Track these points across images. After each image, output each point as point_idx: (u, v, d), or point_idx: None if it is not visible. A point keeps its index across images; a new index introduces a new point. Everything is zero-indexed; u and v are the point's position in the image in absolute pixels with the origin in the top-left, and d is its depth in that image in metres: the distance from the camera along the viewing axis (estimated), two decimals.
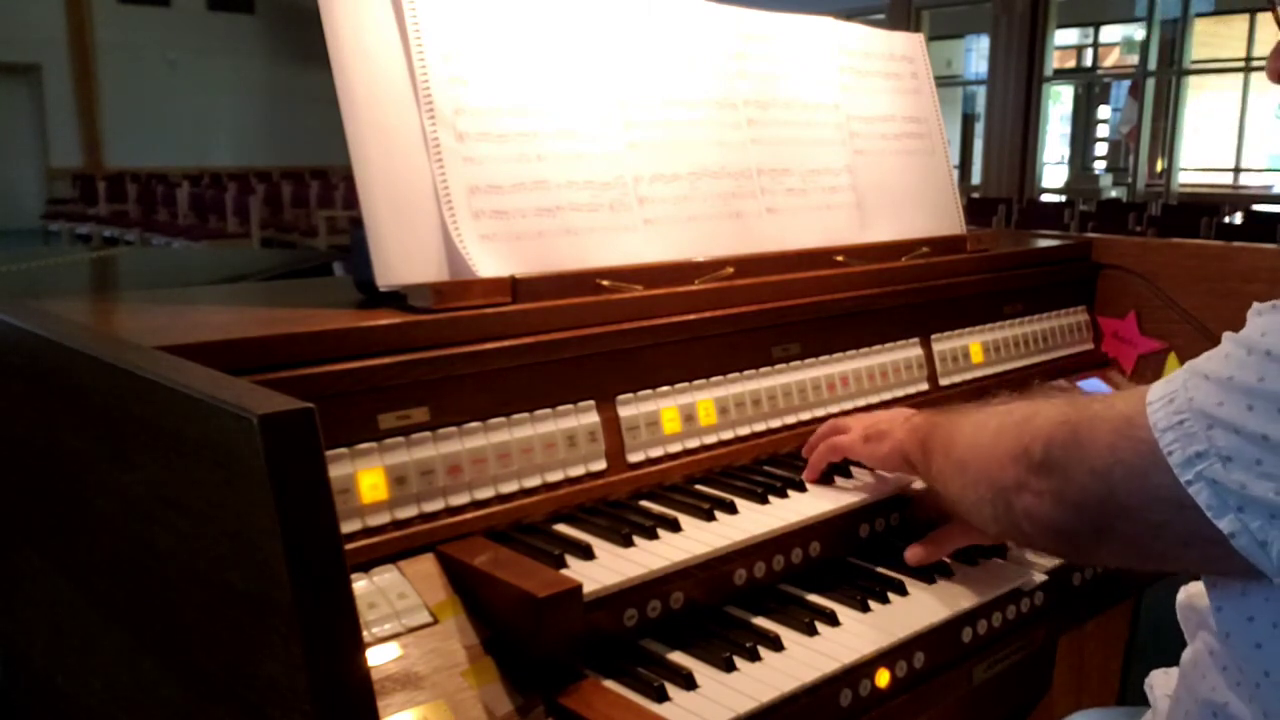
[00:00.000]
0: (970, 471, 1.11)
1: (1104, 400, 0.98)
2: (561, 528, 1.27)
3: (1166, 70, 14.54)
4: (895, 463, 1.37)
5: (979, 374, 1.88)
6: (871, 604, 1.28)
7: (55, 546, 1.13)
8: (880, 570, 1.37)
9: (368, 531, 1.12)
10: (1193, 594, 1.08)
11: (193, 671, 0.87)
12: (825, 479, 1.44)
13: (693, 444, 1.44)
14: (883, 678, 1.20)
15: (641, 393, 1.39)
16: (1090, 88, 19.27)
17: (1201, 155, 16.56)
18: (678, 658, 1.14)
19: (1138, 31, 15.42)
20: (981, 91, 15.91)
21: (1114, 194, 15.30)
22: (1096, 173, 17.92)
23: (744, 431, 1.50)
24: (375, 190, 1.26)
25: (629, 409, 1.38)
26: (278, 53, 18.01)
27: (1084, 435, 0.94)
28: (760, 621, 1.23)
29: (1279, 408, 0.81)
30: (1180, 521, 0.86)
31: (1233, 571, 0.86)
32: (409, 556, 1.13)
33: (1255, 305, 0.88)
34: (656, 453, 1.40)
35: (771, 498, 1.37)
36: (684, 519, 1.29)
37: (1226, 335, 0.88)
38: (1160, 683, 1.22)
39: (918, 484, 1.42)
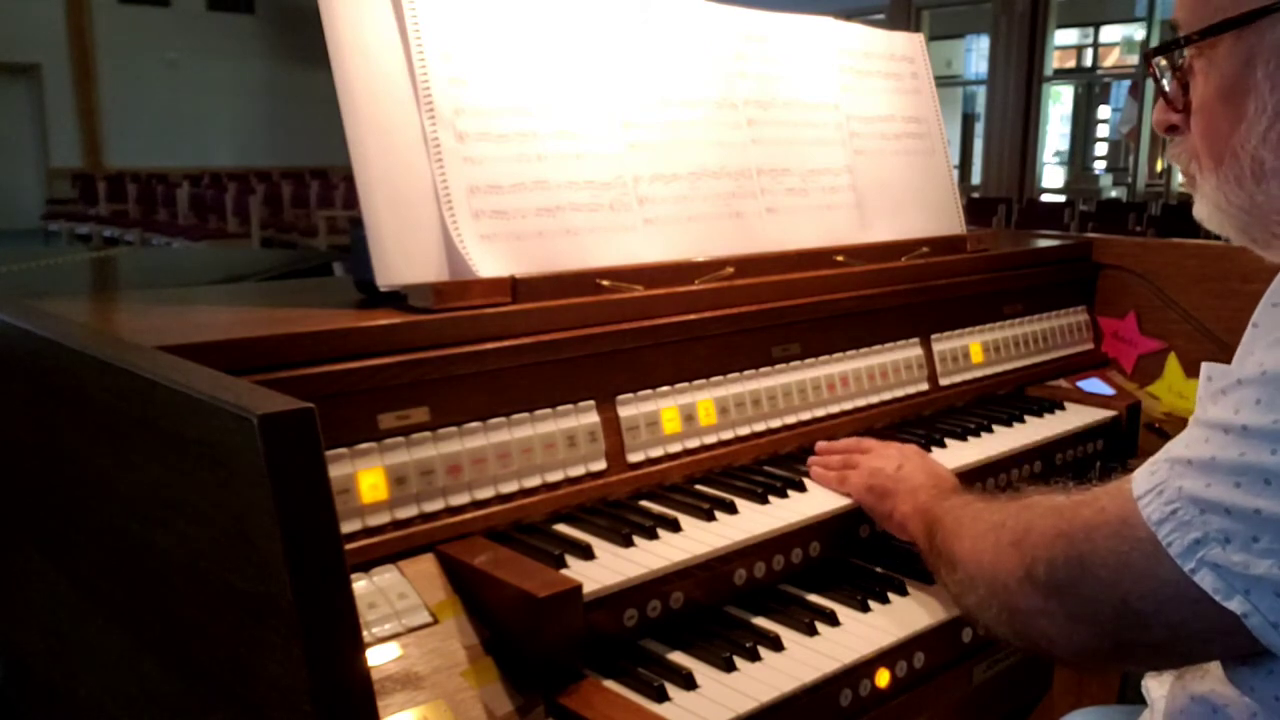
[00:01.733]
0: (979, 589, 1.07)
1: (1090, 504, 0.95)
2: (561, 528, 1.27)
3: None
4: (893, 529, 1.36)
5: (979, 374, 1.88)
6: (871, 604, 1.28)
7: (55, 547, 1.13)
8: (880, 570, 1.37)
9: (368, 531, 1.12)
10: None
11: (193, 671, 0.87)
12: None
13: (693, 444, 1.44)
14: (883, 678, 1.20)
15: (641, 393, 1.39)
16: (1090, 88, 19.26)
17: None
18: (678, 658, 1.14)
19: (1138, 31, 15.41)
20: (981, 91, 15.90)
21: (1114, 194, 15.28)
22: (1096, 173, 17.90)
23: (744, 431, 1.50)
24: (375, 190, 1.26)
25: (629, 409, 1.38)
26: (278, 53, 18.00)
27: (1083, 547, 0.92)
28: (760, 621, 1.23)
29: (1265, 479, 0.80)
30: (1195, 617, 0.84)
31: (1257, 654, 0.85)
32: (409, 556, 1.13)
33: (1212, 379, 0.87)
34: (656, 453, 1.40)
35: (771, 498, 1.37)
36: (684, 519, 1.29)
37: (1196, 419, 0.88)
38: (1155, 684, 1.22)
39: None
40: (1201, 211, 1.02)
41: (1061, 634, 0.96)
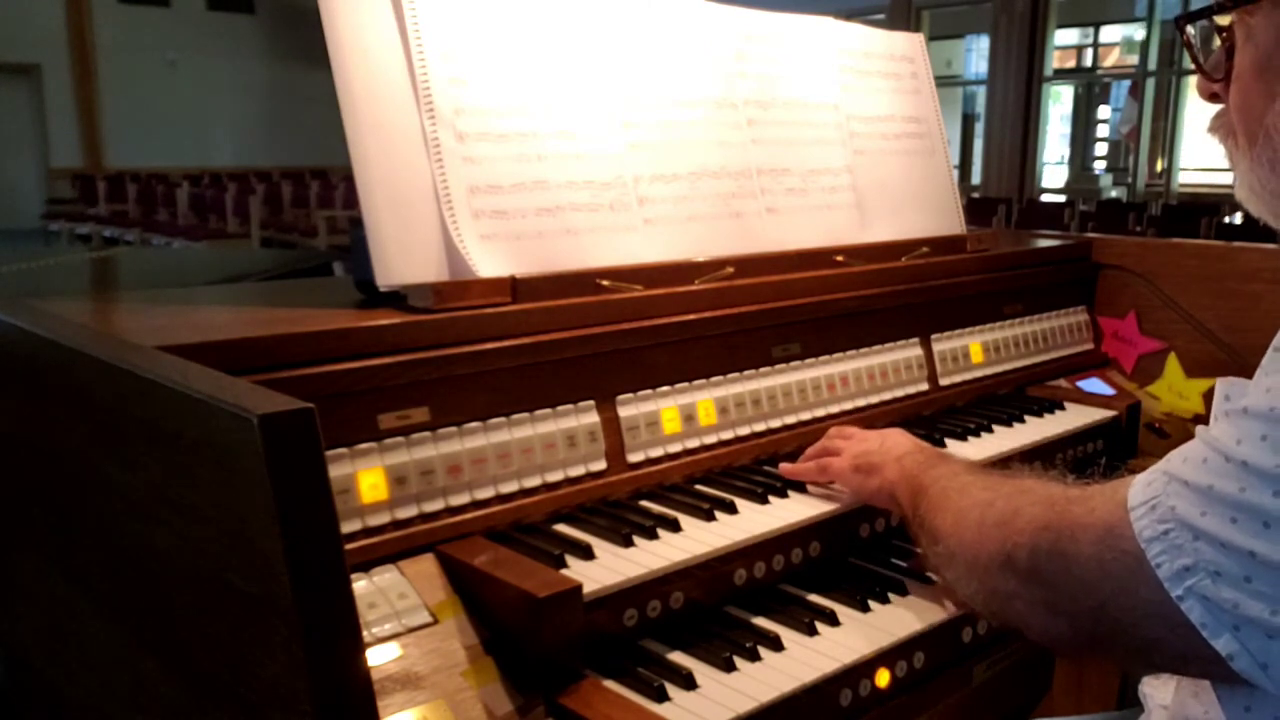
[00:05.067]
0: (958, 564, 1.07)
1: (1082, 502, 0.92)
2: (561, 528, 1.27)
3: (1166, 70, 14.53)
4: (882, 501, 1.34)
5: (979, 374, 1.88)
6: (871, 604, 1.28)
7: (55, 546, 1.13)
8: (880, 570, 1.37)
9: (368, 531, 1.12)
10: None
11: (193, 671, 0.87)
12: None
13: (693, 444, 1.44)
14: (883, 678, 1.20)
15: (641, 393, 1.39)
16: (1090, 88, 19.26)
17: (1201, 155, 16.55)
18: (678, 658, 1.14)
19: (1138, 31, 15.41)
20: (981, 91, 15.90)
21: (1114, 194, 15.29)
22: (1096, 173, 17.90)
23: (744, 431, 1.50)
24: (375, 190, 1.26)
25: (629, 409, 1.38)
26: (278, 53, 17.99)
27: (1067, 545, 0.90)
28: (760, 621, 1.23)
29: (1264, 522, 0.77)
30: (1175, 640, 0.82)
31: (1236, 684, 0.83)
32: (409, 556, 1.13)
33: (1229, 397, 0.85)
34: (656, 453, 1.40)
35: (771, 498, 1.37)
36: (684, 519, 1.29)
37: (1201, 434, 0.85)
38: (1153, 689, 1.21)
39: None
40: (1240, 192, 0.98)
41: (1038, 620, 0.95)
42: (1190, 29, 1.00)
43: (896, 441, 1.37)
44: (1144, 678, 1.25)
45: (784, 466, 1.46)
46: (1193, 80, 14.86)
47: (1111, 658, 0.96)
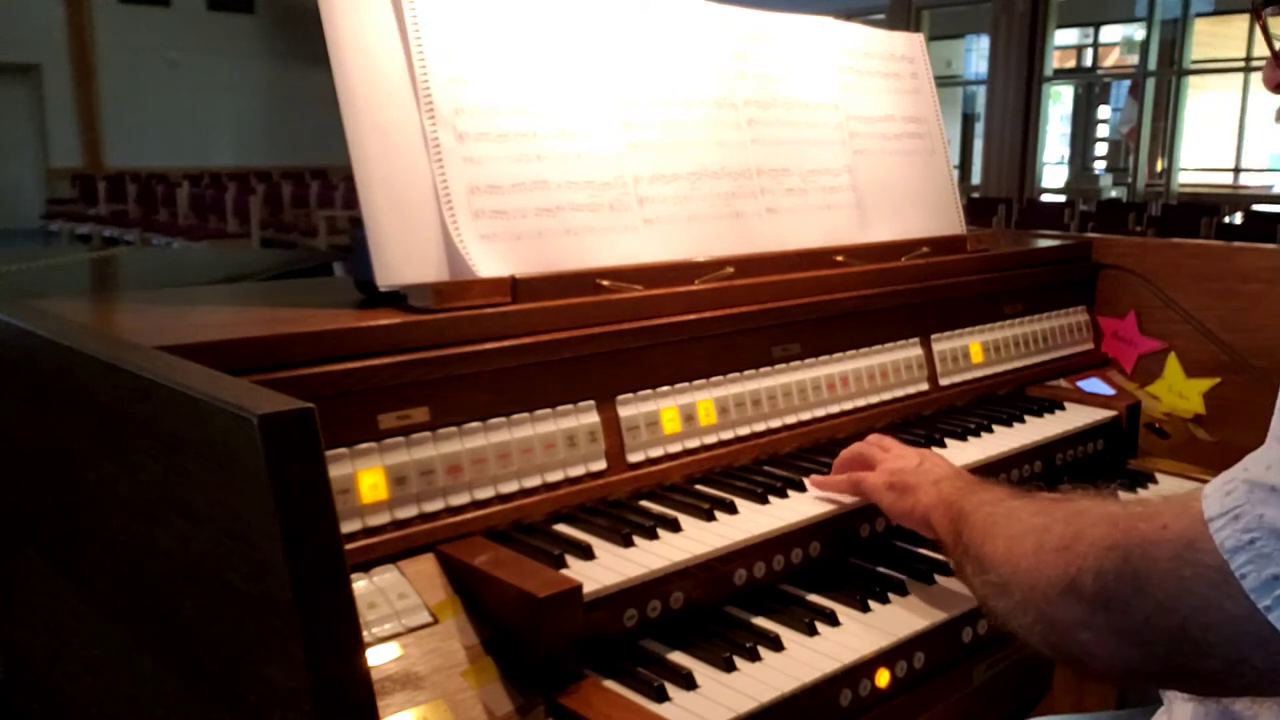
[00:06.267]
0: (1013, 594, 1.00)
1: (1149, 519, 0.86)
2: (561, 528, 1.27)
3: (1166, 70, 14.53)
4: (914, 523, 1.29)
5: (979, 374, 1.88)
6: (871, 604, 1.28)
7: (55, 546, 1.13)
8: (880, 570, 1.37)
9: (368, 531, 1.12)
10: None
11: (193, 671, 0.87)
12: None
13: (693, 444, 1.44)
14: (883, 678, 1.20)
15: (641, 393, 1.39)
16: (1090, 88, 19.26)
17: (1201, 155, 16.55)
18: (678, 658, 1.14)
19: (1138, 31, 15.41)
20: (981, 91, 15.90)
21: (1114, 194, 15.29)
22: (1096, 173, 17.90)
23: (744, 431, 1.50)
24: (375, 190, 1.26)
25: (629, 409, 1.38)
26: (278, 53, 18.00)
27: (1140, 564, 0.84)
28: (760, 621, 1.23)
29: None
30: (1263, 656, 0.77)
31: None
32: (409, 556, 1.13)
33: None
34: (656, 453, 1.40)
35: (771, 498, 1.37)
36: (684, 519, 1.29)
37: (1276, 435, 0.80)
38: None
39: None
40: None
41: (1106, 650, 0.89)
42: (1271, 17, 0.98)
43: (935, 463, 1.32)
44: None
45: (815, 479, 1.43)
46: (1192, 80, 14.86)
47: (1189, 685, 0.90)
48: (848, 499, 1.39)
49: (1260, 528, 0.76)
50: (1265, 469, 0.78)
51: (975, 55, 18.29)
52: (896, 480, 1.32)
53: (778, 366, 1.56)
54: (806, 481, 1.44)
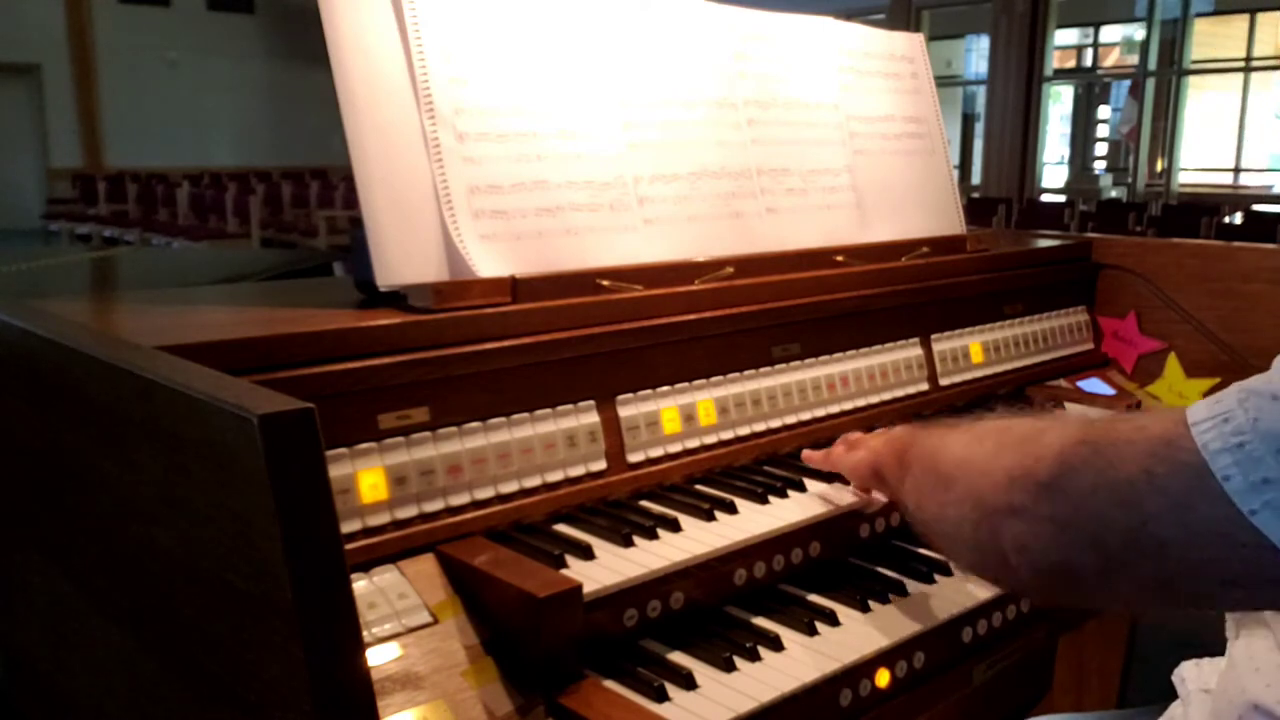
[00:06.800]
0: (956, 489, 0.95)
1: (1130, 421, 0.83)
2: (561, 528, 1.27)
3: (1166, 70, 14.54)
4: (863, 473, 1.29)
5: (979, 374, 1.88)
6: (871, 604, 1.28)
7: (55, 546, 1.13)
8: (880, 570, 1.37)
9: (368, 531, 1.12)
10: None
11: (193, 672, 0.87)
12: (827, 479, 1.44)
13: (693, 444, 1.44)
14: (883, 678, 1.20)
15: (641, 393, 1.39)
16: (1090, 88, 19.27)
17: (1201, 155, 16.56)
18: (678, 658, 1.14)
19: (1138, 31, 15.41)
20: (981, 91, 15.91)
21: (1114, 194, 15.30)
22: (1096, 173, 17.91)
23: (744, 431, 1.50)
24: (375, 190, 1.26)
25: (629, 409, 1.38)
26: (278, 53, 18.00)
27: (1109, 457, 0.80)
28: (760, 621, 1.23)
29: None
30: (1231, 559, 0.74)
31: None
32: (409, 556, 1.13)
33: None
34: (656, 453, 1.40)
35: (771, 498, 1.37)
36: (684, 519, 1.29)
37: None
38: (1193, 675, 1.16)
39: None
40: None
41: (1040, 543, 0.84)
42: None
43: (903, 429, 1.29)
44: (1184, 662, 1.21)
45: (806, 453, 1.49)
46: (1192, 80, 14.85)
47: (1120, 591, 0.83)
48: (846, 499, 1.39)
49: (1253, 431, 0.73)
50: (1265, 382, 0.75)
51: (975, 55, 18.30)
52: (851, 437, 1.39)
53: (778, 366, 1.56)
54: (804, 453, 1.48)
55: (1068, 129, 19.19)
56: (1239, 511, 0.72)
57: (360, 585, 1.07)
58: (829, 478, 1.44)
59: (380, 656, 0.99)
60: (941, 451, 1.03)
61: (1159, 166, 14.78)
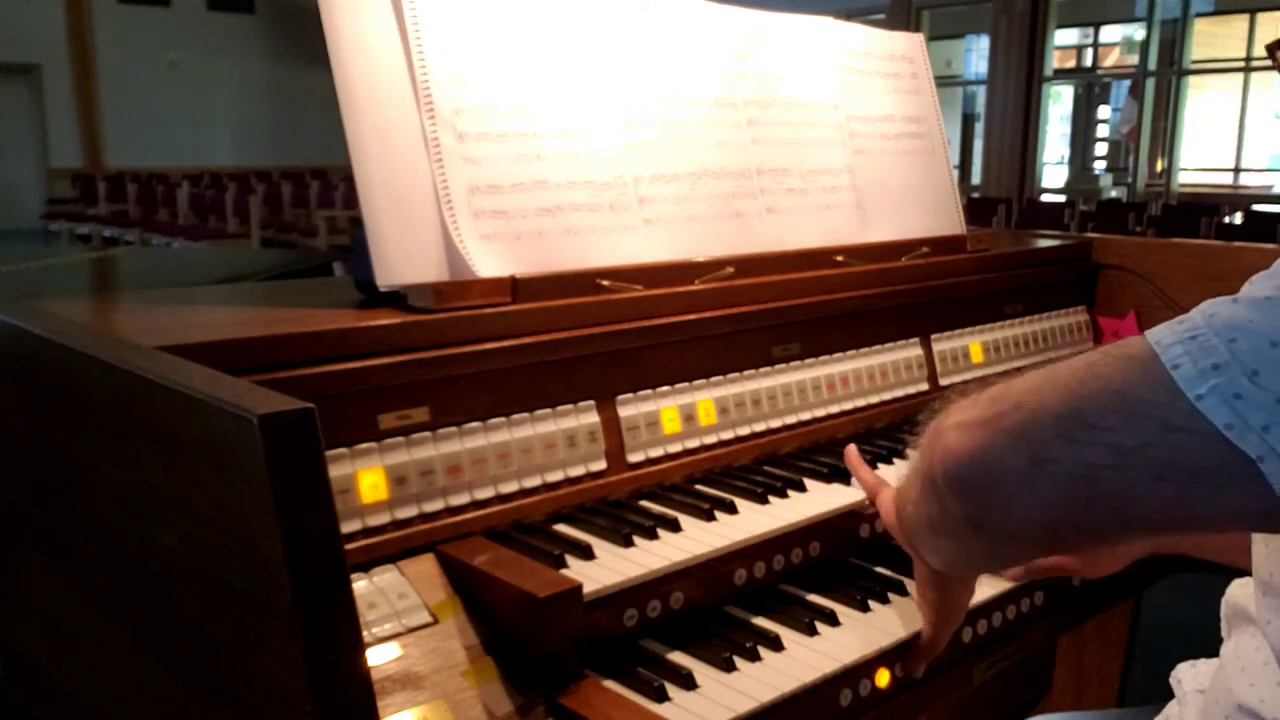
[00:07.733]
0: (922, 440, 0.91)
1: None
2: (561, 528, 1.27)
3: (1166, 70, 14.53)
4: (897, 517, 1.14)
5: (979, 374, 1.88)
6: (871, 604, 1.28)
7: (55, 546, 1.13)
8: (880, 570, 1.37)
9: (368, 531, 1.12)
10: (1241, 595, 1.04)
11: (193, 671, 0.87)
12: (826, 479, 1.44)
13: (693, 444, 1.44)
14: (883, 678, 1.20)
15: (641, 393, 1.39)
16: (1090, 88, 19.26)
17: (1201, 155, 16.56)
18: (678, 658, 1.14)
19: (1138, 31, 15.41)
20: (981, 91, 15.91)
21: (1114, 194, 15.29)
22: (1096, 173, 17.91)
23: (744, 431, 1.50)
24: (375, 190, 1.26)
25: (629, 409, 1.38)
26: (278, 53, 18.00)
27: (1051, 371, 0.79)
28: (760, 621, 1.23)
29: None
30: (1166, 445, 0.71)
31: (1209, 518, 0.73)
32: (409, 556, 1.13)
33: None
34: (656, 453, 1.40)
35: (771, 498, 1.37)
36: (684, 519, 1.29)
37: (1250, 283, 0.77)
38: (1189, 676, 1.17)
39: None
40: None
41: (963, 444, 0.80)
42: None
43: None
44: (1180, 663, 1.21)
45: (852, 450, 1.37)
46: (1192, 80, 14.84)
47: (1039, 493, 0.77)
48: (848, 499, 1.39)
49: (1207, 325, 0.72)
50: (1229, 299, 0.74)
51: (975, 55, 18.30)
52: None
53: (778, 366, 1.56)
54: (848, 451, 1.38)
55: (1068, 129, 19.19)
56: (1183, 395, 0.70)
57: (360, 585, 1.07)
58: (829, 478, 1.44)
59: (380, 656, 0.99)
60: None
61: (1159, 166, 14.78)
